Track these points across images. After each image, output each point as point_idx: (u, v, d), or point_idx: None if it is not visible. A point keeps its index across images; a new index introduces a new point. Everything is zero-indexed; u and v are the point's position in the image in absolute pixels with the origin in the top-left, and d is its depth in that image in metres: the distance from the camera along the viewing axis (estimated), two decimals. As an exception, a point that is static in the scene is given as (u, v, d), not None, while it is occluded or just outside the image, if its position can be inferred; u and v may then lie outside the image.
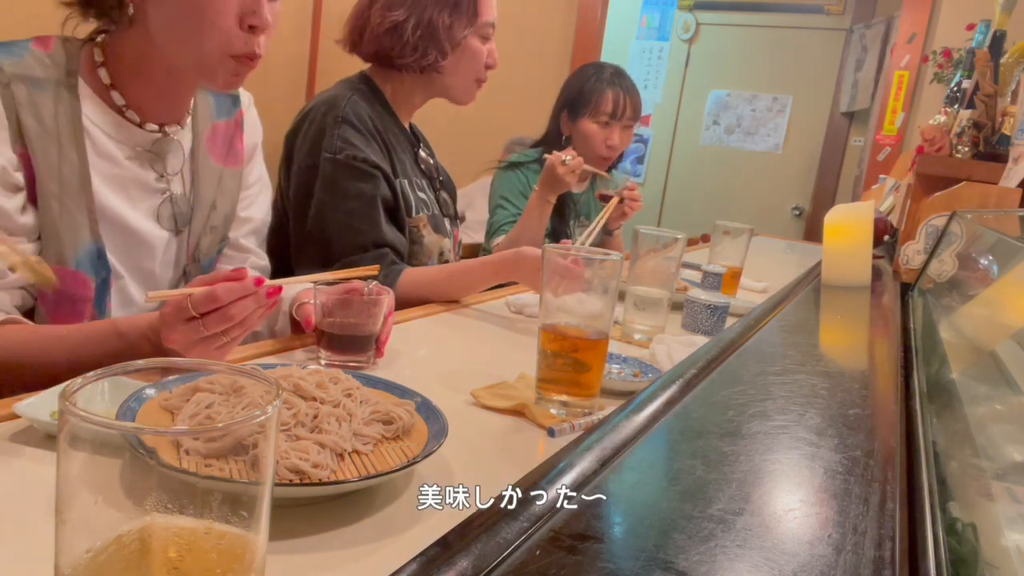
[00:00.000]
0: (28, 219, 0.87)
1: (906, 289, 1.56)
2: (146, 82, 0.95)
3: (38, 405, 0.65)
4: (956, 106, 2.12)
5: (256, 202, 1.16)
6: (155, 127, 0.98)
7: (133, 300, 0.99)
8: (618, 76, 2.06)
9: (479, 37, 1.40)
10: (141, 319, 0.84)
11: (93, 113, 0.93)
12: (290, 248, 1.35)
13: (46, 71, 0.89)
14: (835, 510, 0.44)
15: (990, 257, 1.09)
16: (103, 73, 0.94)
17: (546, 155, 1.83)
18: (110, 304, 0.95)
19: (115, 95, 0.95)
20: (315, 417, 0.63)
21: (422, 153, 1.53)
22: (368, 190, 1.31)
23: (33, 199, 0.88)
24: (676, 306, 1.43)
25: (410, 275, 1.34)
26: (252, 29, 0.90)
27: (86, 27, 0.96)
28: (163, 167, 0.99)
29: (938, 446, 0.63)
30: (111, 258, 0.94)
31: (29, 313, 0.91)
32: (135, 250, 0.97)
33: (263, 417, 0.33)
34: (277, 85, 3.27)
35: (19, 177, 0.86)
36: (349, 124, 1.32)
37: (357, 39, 1.40)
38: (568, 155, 1.78)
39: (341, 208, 1.30)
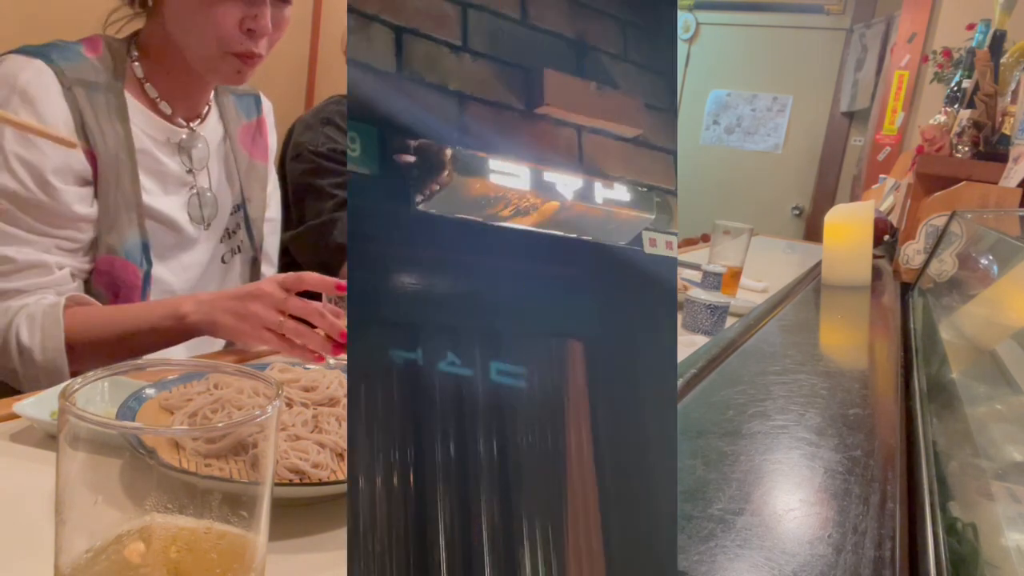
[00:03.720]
0: (93, 210, 0.93)
1: (906, 289, 1.56)
2: (168, 73, 0.99)
3: (38, 405, 0.65)
4: (956, 106, 2.12)
5: (272, 203, 1.21)
6: (183, 121, 1.02)
7: (173, 292, 1.03)
8: None
9: None
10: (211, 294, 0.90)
11: (133, 109, 0.96)
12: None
13: (98, 75, 0.94)
14: (835, 510, 0.44)
15: (990, 257, 1.08)
16: (138, 67, 0.98)
17: None
18: (150, 295, 1.00)
19: (149, 88, 0.99)
20: (315, 417, 0.63)
21: None
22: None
23: (96, 192, 0.93)
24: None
25: None
26: (251, 32, 0.93)
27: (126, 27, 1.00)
28: (189, 160, 1.03)
29: (938, 446, 0.63)
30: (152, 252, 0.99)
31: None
32: (173, 242, 1.02)
33: (263, 417, 0.33)
34: (276, 85, 3.25)
35: (88, 172, 0.91)
36: (334, 125, 1.47)
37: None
38: None
39: (328, 201, 1.42)
